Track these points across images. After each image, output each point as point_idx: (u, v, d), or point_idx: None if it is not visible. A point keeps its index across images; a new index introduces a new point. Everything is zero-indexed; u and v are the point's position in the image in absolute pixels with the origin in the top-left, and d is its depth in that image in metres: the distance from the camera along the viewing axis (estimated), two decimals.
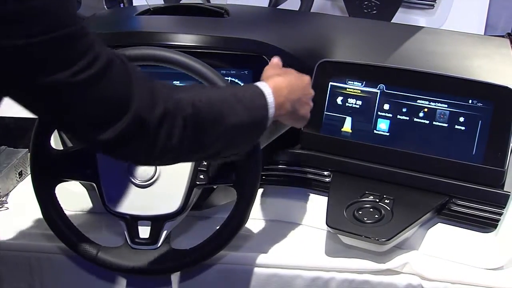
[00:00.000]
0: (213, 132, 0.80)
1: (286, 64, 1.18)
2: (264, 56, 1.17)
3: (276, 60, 1.01)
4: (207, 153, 0.83)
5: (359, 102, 1.14)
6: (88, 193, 1.17)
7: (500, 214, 1.03)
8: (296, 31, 1.37)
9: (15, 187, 1.28)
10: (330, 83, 1.15)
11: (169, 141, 0.74)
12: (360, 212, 1.04)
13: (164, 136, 0.73)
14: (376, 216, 1.03)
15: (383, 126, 1.12)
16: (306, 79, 0.98)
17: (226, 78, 1.03)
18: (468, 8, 1.79)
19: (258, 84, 0.88)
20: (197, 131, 0.77)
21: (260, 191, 1.00)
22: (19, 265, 1.10)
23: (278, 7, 1.86)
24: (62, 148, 1.15)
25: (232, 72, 1.19)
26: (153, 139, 0.73)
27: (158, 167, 0.99)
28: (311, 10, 1.82)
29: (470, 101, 1.06)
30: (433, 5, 1.84)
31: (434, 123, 1.09)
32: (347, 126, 1.14)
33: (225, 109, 0.81)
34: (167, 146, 0.74)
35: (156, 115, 0.72)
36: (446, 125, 1.08)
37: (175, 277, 1.07)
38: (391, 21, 1.83)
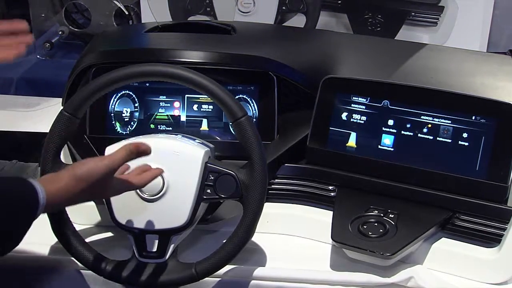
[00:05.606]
0: None
1: (292, 80, 1.21)
2: (270, 72, 1.20)
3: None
4: None
5: (364, 118, 1.15)
6: (97, 207, 1.18)
7: (504, 229, 1.04)
8: (301, 47, 1.38)
9: None
10: (335, 99, 1.17)
11: None
12: (365, 227, 1.05)
13: None
14: (381, 230, 1.04)
15: (387, 141, 1.14)
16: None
17: (233, 94, 1.05)
18: (471, 25, 1.80)
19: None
20: None
21: (266, 205, 1.01)
22: (28, 278, 1.12)
23: (284, 24, 1.88)
24: (72, 163, 1.16)
25: (239, 88, 1.21)
26: None
27: (165, 181, 1.00)
28: (316, 27, 1.84)
29: (473, 118, 1.08)
30: (436, 23, 1.86)
31: (438, 138, 1.10)
32: (352, 141, 1.16)
33: None
34: None
35: None
36: (449, 140, 1.09)
37: None
38: (395, 38, 1.85)
